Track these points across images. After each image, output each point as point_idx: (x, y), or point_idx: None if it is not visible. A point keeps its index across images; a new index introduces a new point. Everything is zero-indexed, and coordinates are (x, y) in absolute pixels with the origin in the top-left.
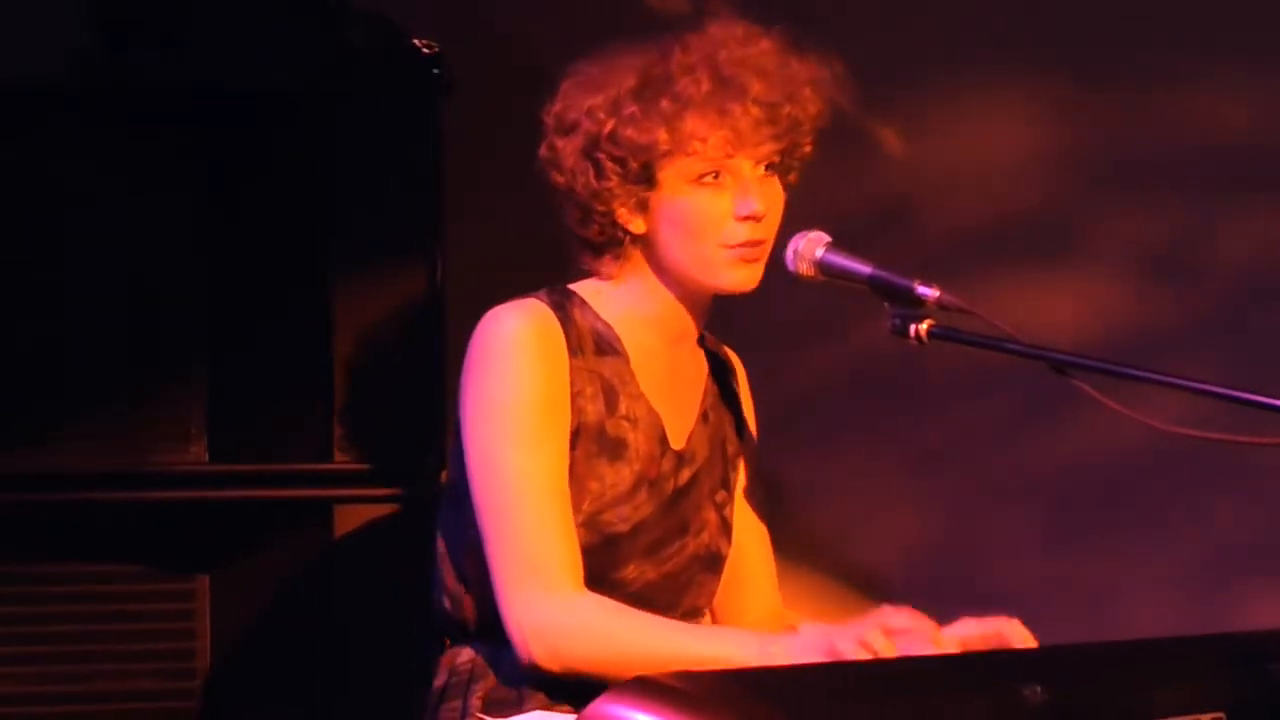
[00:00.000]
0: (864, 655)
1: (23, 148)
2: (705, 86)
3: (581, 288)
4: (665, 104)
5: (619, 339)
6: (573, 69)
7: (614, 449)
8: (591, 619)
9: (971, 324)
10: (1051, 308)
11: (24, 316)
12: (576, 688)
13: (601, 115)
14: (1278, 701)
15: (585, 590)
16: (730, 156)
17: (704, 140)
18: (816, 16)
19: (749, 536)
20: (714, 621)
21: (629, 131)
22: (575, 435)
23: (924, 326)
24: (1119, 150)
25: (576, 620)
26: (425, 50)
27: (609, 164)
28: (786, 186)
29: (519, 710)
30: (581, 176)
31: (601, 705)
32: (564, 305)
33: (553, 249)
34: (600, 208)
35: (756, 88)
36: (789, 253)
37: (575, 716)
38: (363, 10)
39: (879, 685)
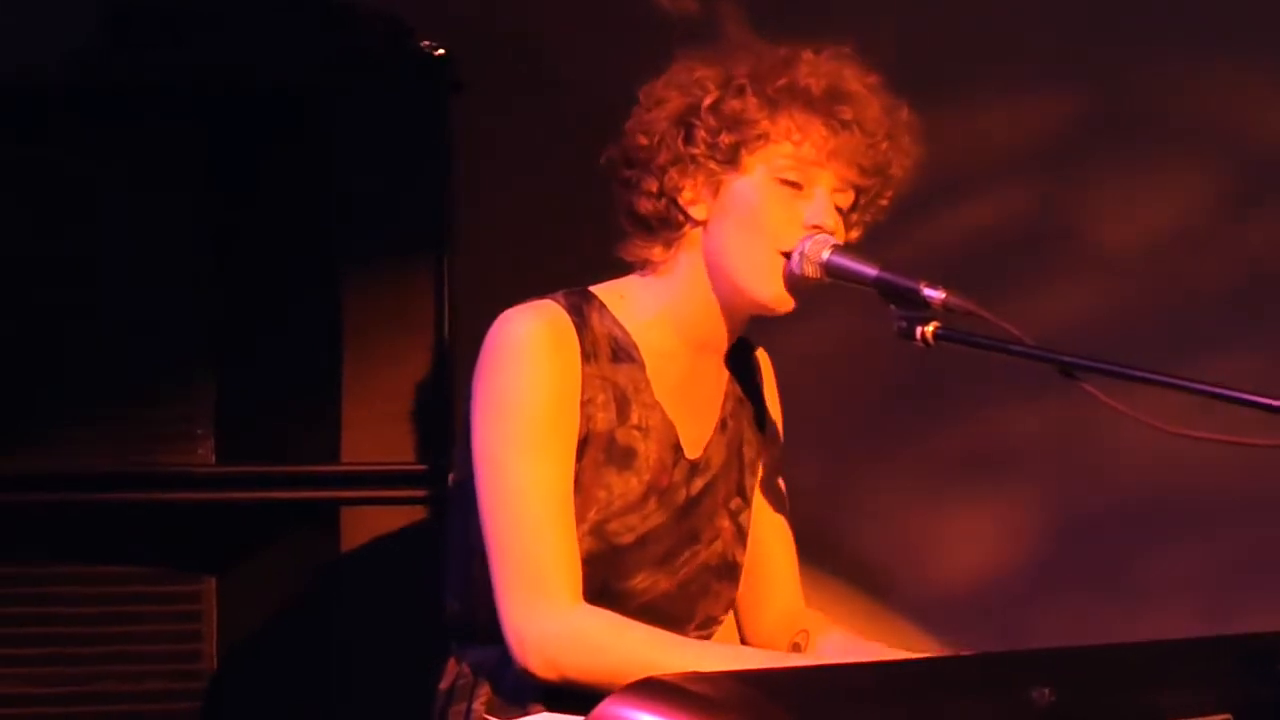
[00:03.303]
0: None
1: (27, 146)
2: (824, 86)
3: (603, 290)
4: (782, 84)
5: (636, 346)
6: (679, 56)
7: (623, 458)
8: (589, 631)
9: (979, 326)
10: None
11: (31, 316)
12: (583, 693)
13: (710, 85)
14: None
15: (583, 602)
16: (820, 166)
17: (804, 135)
18: (826, 19)
19: (771, 534)
20: (737, 619)
21: (735, 104)
22: (584, 443)
23: (930, 329)
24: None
25: (574, 631)
26: (434, 50)
27: (701, 132)
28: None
29: (524, 714)
30: (669, 141)
31: (611, 706)
32: (581, 309)
33: (561, 248)
34: (676, 178)
35: (870, 111)
36: (795, 255)
37: (584, 718)
38: (371, 9)
39: (888, 686)
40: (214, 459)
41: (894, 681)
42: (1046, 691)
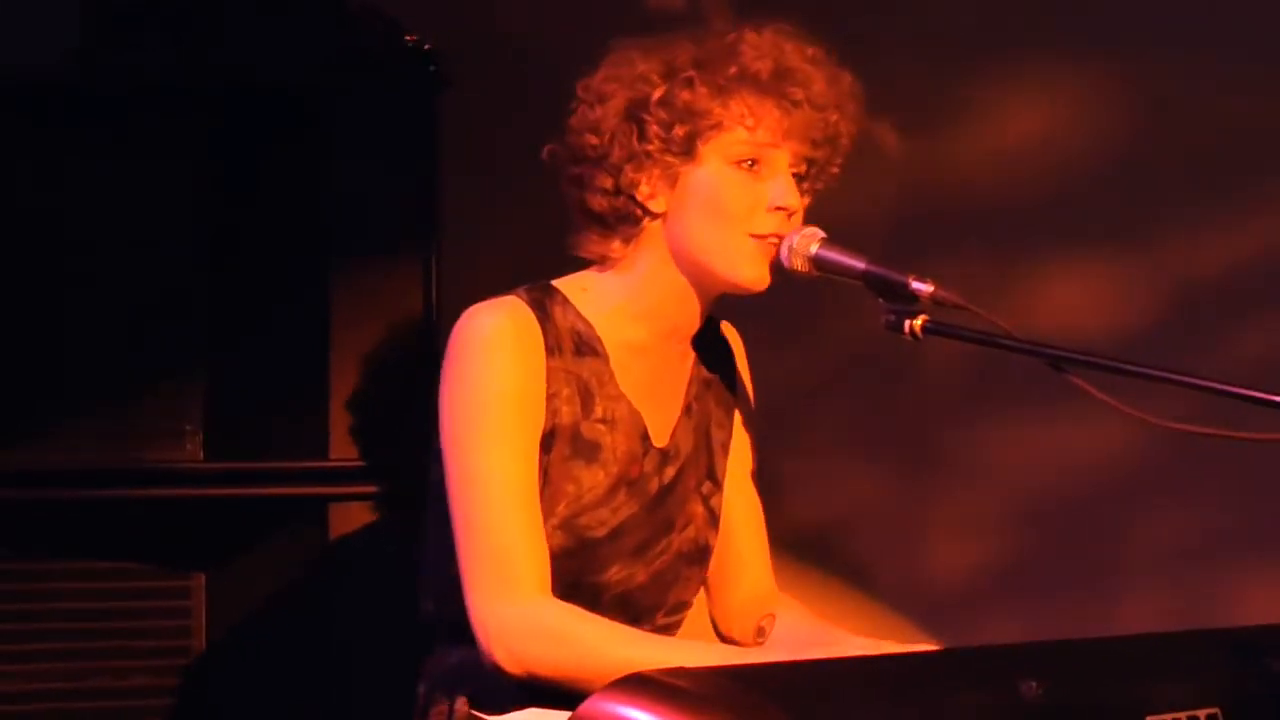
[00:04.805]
0: None
1: (20, 143)
2: (770, 68)
3: (565, 284)
4: (732, 73)
5: (599, 339)
6: (615, 45)
7: (589, 452)
8: (554, 624)
9: (967, 319)
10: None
11: (20, 312)
12: (564, 692)
13: (655, 78)
14: (1274, 697)
15: (550, 595)
16: (775, 146)
17: (757, 120)
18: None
19: (742, 515)
20: (708, 599)
21: (684, 95)
22: (550, 437)
23: (918, 322)
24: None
25: (538, 624)
26: (422, 46)
27: (654, 127)
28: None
29: (505, 712)
30: (622, 138)
31: (598, 702)
32: (543, 303)
33: (549, 246)
34: (631, 174)
35: (817, 86)
36: (784, 249)
37: (570, 714)
38: (361, 7)
39: (877, 681)
40: (203, 455)
41: (882, 676)
42: (1035, 685)
